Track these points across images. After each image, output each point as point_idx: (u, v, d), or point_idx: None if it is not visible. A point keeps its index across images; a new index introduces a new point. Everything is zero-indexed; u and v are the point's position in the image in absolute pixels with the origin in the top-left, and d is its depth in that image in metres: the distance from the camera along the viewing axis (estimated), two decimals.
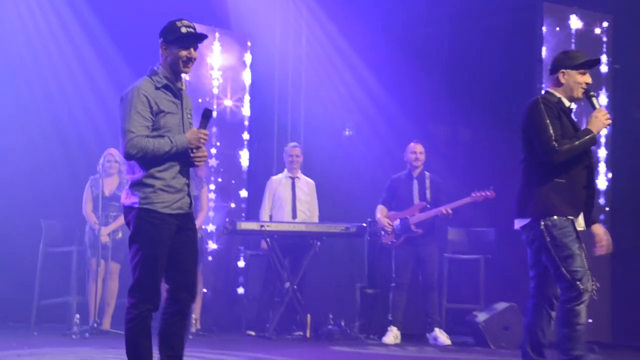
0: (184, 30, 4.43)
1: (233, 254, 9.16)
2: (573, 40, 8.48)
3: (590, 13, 8.60)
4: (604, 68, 8.55)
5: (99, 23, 9.61)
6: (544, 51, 8.31)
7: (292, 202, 8.75)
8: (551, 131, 4.82)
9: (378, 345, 8.06)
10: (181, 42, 4.42)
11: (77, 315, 8.05)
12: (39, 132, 9.38)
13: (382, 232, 8.45)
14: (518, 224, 5.10)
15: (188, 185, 4.53)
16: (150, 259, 4.37)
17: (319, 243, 8.54)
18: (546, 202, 4.91)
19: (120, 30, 9.51)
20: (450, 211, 8.20)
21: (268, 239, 8.41)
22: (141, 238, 4.38)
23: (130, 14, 9.40)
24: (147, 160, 4.37)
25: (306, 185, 8.87)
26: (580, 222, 5.01)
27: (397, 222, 8.38)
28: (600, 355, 7.54)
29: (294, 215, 8.71)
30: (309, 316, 8.35)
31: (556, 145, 4.82)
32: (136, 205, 4.38)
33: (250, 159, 9.44)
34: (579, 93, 5.01)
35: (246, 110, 9.47)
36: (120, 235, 8.34)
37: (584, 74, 5.02)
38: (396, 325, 8.28)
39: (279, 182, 8.87)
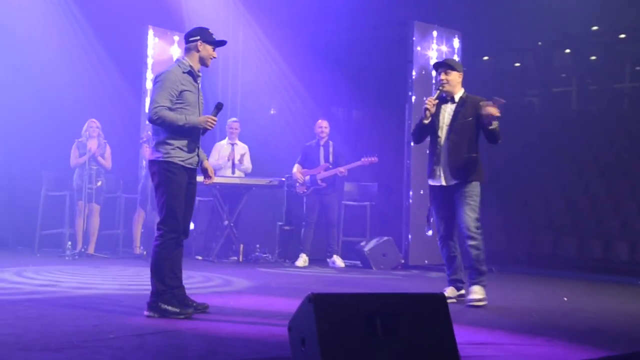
0: (214, 36, 4.58)
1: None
2: (434, 47, 8.54)
3: (446, 29, 8.73)
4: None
5: (92, 28, 9.51)
6: (414, 55, 8.39)
7: (232, 162, 8.77)
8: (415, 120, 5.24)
9: (292, 267, 8.10)
10: (215, 45, 4.54)
11: (69, 243, 8.19)
12: (39, 102, 9.17)
13: (297, 184, 8.46)
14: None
15: (198, 147, 4.52)
16: (173, 199, 4.37)
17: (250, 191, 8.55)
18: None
19: (103, 21, 9.40)
20: (345, 171, 8.30)
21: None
22: (165, 183, 4.37)
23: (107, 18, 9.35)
24: (164, 126, 4.38)
25: (242, 149, 8.86)
26: (437, 180, 5.23)
27: (307, 177, 8.43)
28: (498, 275, 7.69)
29: (233, 172, 8.72)
30: (241, 246, 8.39)
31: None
32: (160, 159, 4.39)
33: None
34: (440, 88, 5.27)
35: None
36: (99, 183, 8.33)
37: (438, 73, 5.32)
38: (305, 253, 8.36)
39: (221, 146, 8.85)
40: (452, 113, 5.25)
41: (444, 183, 5.22)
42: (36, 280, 6.03)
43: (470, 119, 5.21)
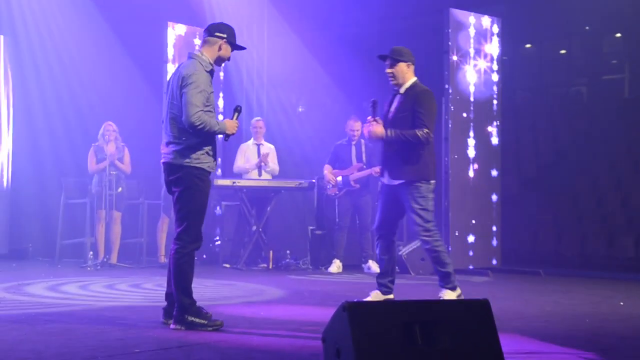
0: (236, 39, 4.65)
1: (212, 204, 9.09)
2: (471, 36, 8.48)
3: (484, 16, 8.66)
4: (495, 52, 8.56)
5: (108, 24, 9.55)
6: (450, 45, 8.34)
7: (258, 163, 8.79)
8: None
9: (324, 274, 8.13)
10: (235, 47, 4.60)
11: (91, 252, 8.26)
12: (56, 108, 9.32)
13: (329, 186, 8.48)
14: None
15: (216, 151, 4.60)
16: (199, 208, 4.41)
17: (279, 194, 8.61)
18: None
19: (121, 19, 9.48)
20: (380, 171, 8.35)
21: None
22: (192, 191, 4.38)
23: (124, 14, 9.44)
24: (203, 132, 4.39)
25: (268, 149, 8.90)
26: (385, 179, 5.33)
27: (339, 178, 8.45)
28: (493, 278, 7.79)
29: (260, 174, 8.77)
30: (271, 252, 8.43)
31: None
32: (188, 164, 4.39)
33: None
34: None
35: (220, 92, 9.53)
36: (120, 189, 8.44)
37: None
38: (339, 258, 8.36)
39: (247, 147, 8.90)
40: (395, 106, 5.32)
41: (385, 181, 5.33)
42: (57, 292, 6.12)
43: (407, 113, 5.23)
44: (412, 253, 8.23)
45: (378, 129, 5.22)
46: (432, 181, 5.29)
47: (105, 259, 8.26)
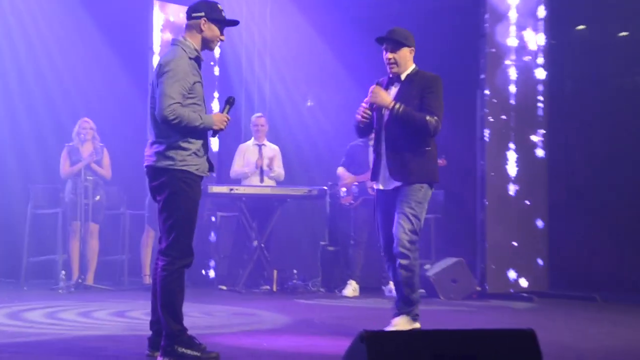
0: (224, 14, 4.60)
1: (205, 215, 9.16)
2: (512, 18, 8.45)
3: None
4: (541, 42, 8.58)
5: (84, 1, 9.56)
6: (486, 29, 8.32)
7: (259, 167, 8.84)
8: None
9: (338, 297, 8.14)
10: (222, 25, 4.58)
11: (63, 272, 8.22)
12: (23, 104, 9.35)
13: (342, 194, 8.51)
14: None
15: (208, 151, 4.61)
16: (188, 218, 4.43)
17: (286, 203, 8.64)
18: None
19: (100, 4, 9.54)
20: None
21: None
22: (178, 198, 4.40)
23: None
24: (178, 128, 4.40)
25: (271, 151, 8.94)
26: (383, 184, 5.27)
27: (354, 182, 8.46)
28: (538, 304, 7.78)
29: (261, 179, 8.80)
30: (275, 272, 8.44)
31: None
32: (172, 167, 4.42)
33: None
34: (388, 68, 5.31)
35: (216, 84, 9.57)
36: (98, 198, 8.49)
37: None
38: (355, 279, 8.37)
39: (246, 148, 8.95)
40: (395, 97, 5.27)
41: (381, 186, 5.28)
42: (22, 320, 6.09)
43: (413, 101, 5.21)
44: (441, 273, 8.25)
45: (384, 94, 5.19)
46: (432, 188, 5.37)
47: (80, 280, 8.27)
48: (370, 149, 8.45)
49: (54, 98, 9.42)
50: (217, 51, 9.72)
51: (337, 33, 10.13)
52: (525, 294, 8.18)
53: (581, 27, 9.49)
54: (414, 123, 5.13)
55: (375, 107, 5.28)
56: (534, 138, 8.62)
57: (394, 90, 5.28)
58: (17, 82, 9.36)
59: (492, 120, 8.33)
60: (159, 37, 9.11)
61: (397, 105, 5.16)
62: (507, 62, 8.44)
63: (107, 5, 9.52)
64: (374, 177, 5.34)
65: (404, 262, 5.14)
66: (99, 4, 9.57)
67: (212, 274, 9.14)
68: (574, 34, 9.34)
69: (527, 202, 8.51)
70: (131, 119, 9.31)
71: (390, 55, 5.21)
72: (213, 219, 9.31)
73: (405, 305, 5.21)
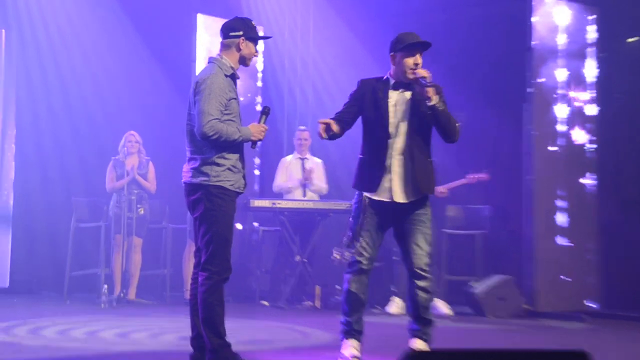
0: (257, 31, 4.74)
1: (247, 230, 9.20)
2: (560, 28, 8.42)
3: (578, 5, 8.56)
4: (591, 55, 8.51)
5: (126, 14, 9.64)
6: (533, 39, 8.26)
7: (302, 181, 8.85)
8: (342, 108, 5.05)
9: (382, 314, 8.11)
10: (257, 42, 4.74)
11: (105, 286, 8.19)
12: (67, 117, 9.42)
13: None
14: None
15: (244, 167, 4.68)
16: (224, 232, 4.52)
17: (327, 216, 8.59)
18: (354, 176, 5.05)
19: (147, 26, 9.63)
20: (445, 192, 8.25)
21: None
22: (214, 213, 4.50)
23: (154, 7, 9.56)
24: (217, 143, 4.49)
25: (314, 165, 8.93)
26: (385, 195, 4.91)
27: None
28: (590, 325, 7.65)
29: (304, 194, 8.80)
30: (317, 287, 8.43)
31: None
32: (207, 182, 4.51)
33: (261, 143, 9.32)
34: (408, 75, 4.86)
35: (258, 98, 9.58)
36: (142, 211, 8.54)
37: (412, 55, 4.87)
38: (399, 296, 8.28)
39: (289, 162, 8.96)
40: (408, 103, 4.94)
41: (397, 199, 4.92)
42: (65, 333, 6.13)
43: (428, 109, 4.94)
44: (488, 291, 8.18)
45: (425, 72, 4.90)
46: None
47: (122, 294, 8.32)
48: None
49: (96, 112, 9.47)
50: (260, 63, 9.72)
51: (381, 43, 9.70)
52: (576, 314, 8.07)
53: (633, 39, 9.30)
54: (449, 124, 4.90)
55: (380, 106, 4.98)
56: (583, 151, 8.55)
57: (401, 95, 4.97)
58: (60, 95, 9.40)
59: (538, 134, 8.25)
60: (202, 48, 9.11)
61: (440, 102, 4.90)
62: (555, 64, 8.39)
63: (152, 17, 9.58)
64: (372, 187, 4.94)
65: (424, 283, 4.95)
66: (145, 16, 9.62)
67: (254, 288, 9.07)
68: (625, 46, 9.14)
69: (578, 218, 8.41)
70: (173, 131, 8.98)
71: (420, 60, 4.96)
72: (257, 232, 9.27)
73: (424, 326, 4.98)
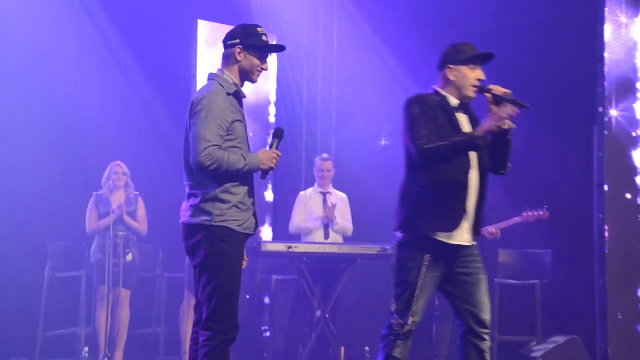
0: (264, 38, 4.64)
1: (257, 279, 9.17)
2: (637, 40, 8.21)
3: None
4: None
5: (114, 28, 9.62)
6: (605, 51, 8.04)
7: (324, 220, 8.66)
8: (422, 130, 4.65)
9: None
10: (262, 52, 4.63)
11: (86, 348, 8.13)
12: (43, 146, 9.29)
13: None
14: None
15: (254, 204, 4.63)
16: (229, 283, 4.47)
17: (355, 262, 8.48)
18: (408, 215, 4.78)
19: (135, 35, 9.58)
20: (497, 232, 8.19)
21: None
22: (218, 260, 4.44)
23: (144, 14, 9.48)
24: (217, 174, 4.44)
25: (338, 199, 8.79)
26: (464, 237, 4.82)
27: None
28: None
29: (326, 235, 8.62)
30: (342, 349, 8.34)
31: (423, 143, 4.63)
32: (209, 223, 4.44)
33: (275, 175, 9.29)
34: (469, 91, 4.81)
35: (271, 118, 9.56)
36: (130, 257, 8.39)
37: (474, 69, 4.83)
38: (441, 359, 8.23)
39: (308, 197, 8.82)
40: (470, 127, 4.92)
41: (467, 242, 4.86)
42: None
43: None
44: (551, 354, 7.91)
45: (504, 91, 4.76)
46: None
47: (106, 358, 8.08)
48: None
49: (77, 140, 9.40)
50: (272, 83, 9.74)
51: (416, 55, 10.03)
52: None
53: None
54: (509, 154, 4.91)
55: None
56: None
57: (461, 116, 4.88)
58: (35, 123, 9.29)
59: (613, 162, 8.01)
60: (203, 62, 9.07)
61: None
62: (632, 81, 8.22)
63: (142, 27, 9.52)
64: (450, 227, 4.76)
65: (488, 345, 4.91)
66: (133, 25, 9.56)
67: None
68: None
69: None
70: (168, 162, 9.21)
71: (482, 75, 4.88)
72: (269, 282, 9.17)
73: None
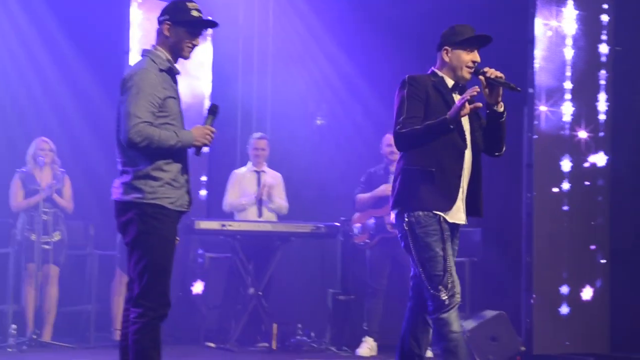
0: (195, 13, 4.56)
1: (190, 257, 9.10)
2: (568, 22, 8.40)
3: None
4: (604, 50, 8.51)
5: (45, 4, 9.43)
6: (536, 32, 8.19)
7: (258, 198, 8.75)
8: (403, 114, 4.75)
9: (352, 357, 8.10)
10: (191, 27, 4.58)
11: (14, 326, 8.01)
12: None
13: (356, 231, 8.43)
14: (391, 216, 5.04)
15: (188, 181, 4.60)
16: (161, 260, 4.44)
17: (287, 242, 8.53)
18: (410, 193, 4.84)
19: (67, 11, 9.41)
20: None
21: None
22: (149, 237, 4.42)
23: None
24: (148, 151, 4.40)
25: (272, 179, 8.85)
26: (460, 216, 4.93)
27: (371, 220, 8.33)
28: None
29: (260, 214, 8.69)
30: (275, 326, 8.36)
31: (399, 128, 4.72)
32: (141, 200, 4.41)
33: (210, 154, 9.23)
34: (464, 73, 4.90)
35: (206, 98, 9.48)
36: (57, 235, 8.37)
37: (470, 51, 4.92)
38: (372, 336, 8.27)
39: (242, 176, 8.86)
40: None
41: (462, 221, 5.01)
42: None
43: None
44: (477, 330, 7.97)
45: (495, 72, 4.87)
46: None
47: (34, 336, 8.04)
48: (392, 178, 8.16)
49: (3, 113, 9.29)
50: (208, 60, 9.63)
51: (354, 35, 10.08)
52: (580, 357, 8.13)
53: None
54: (504, 135, 5.01)
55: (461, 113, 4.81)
56: (595, 166, 8.48)
57: (456, 96, 4.94)
58: None
59: (541, 142, 8.16)
60: (137, 37, 8.95)
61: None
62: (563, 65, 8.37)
63: (74, 5, 9.36)
64: (448, 206, 4.85)
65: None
66: (65, 3, 9.40)
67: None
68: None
69: (587, 248, 8.38)
70: (101, 139, 9.07)
71: (478, 58, 4.95)
72: (200, 260, 9.15)
73: None
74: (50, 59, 9.50)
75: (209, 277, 9.06)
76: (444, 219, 4.81)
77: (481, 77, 4.78)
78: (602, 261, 8.43)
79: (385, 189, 8.18)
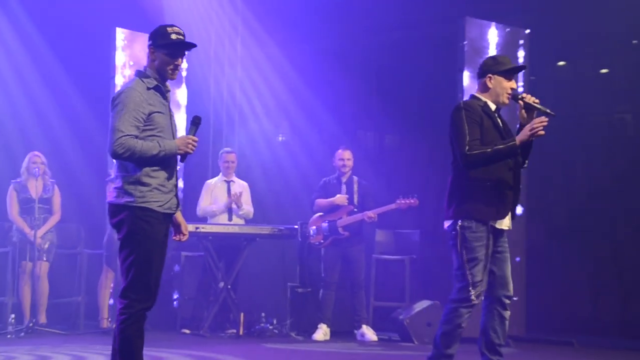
0: (174, 37, 4.47)
1: (168, 255, 9.00)
2: (492, 51, 8.44)
3: (508, 27, 8.66)
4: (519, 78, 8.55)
5: (30, 23, 9.43)
6: (465, 62, 8.29)
7: (228, 205, 8.85)
8: (467, 137, 4.82)
9: (308, 342, 8.14)
10: (169, 49, 4.48)
11: (12, 316, 8.09)
12: None
13: (311, 232, 8.56)
14: (445, 224, 5.10)
15: (176, 186, 4.57)
16: (146, 258, 4.38)
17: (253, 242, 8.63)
18: (467, 205, 4.90)
19: (52, 30, 9.44)
20: (374, 216, 8.35)
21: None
22: (137, 237, 4.38)
23: (61, 15, 9.41)
24: (133, 160, 4.38)
25: (240, 187, 8.95)
26: (506, 222, 5.05)
27: (325, 224, 8.51)
28: (514, 349, 7.73)
29: (230, 218, 8.79)
30: (242, 314, 8.41)
31: (467, 150, 4.80)
32: (132, 203, 4.38)
33: (185, 165, 9.14)
34: (504, 98, 5.01)
35: (182, 119, 9.51)
36: (50, 237, 8.50)
37: (509, 79, 5.02)
38: (325, 323, 8.40)
39: (214, 185, 8.96)
40: (503, 128, 5.14)
41: (508, 227, 5.11)
42: None
43: None
44: (415, 317, 8.30)
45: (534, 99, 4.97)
46: None
47: (31, 324, 8.16)
48: (343, 187, 8.60)
49: (3, 129, 9.32)
50: (183, 100, 9.75)
51: (310, 65, 10.18)
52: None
53: (562, 63, 9.54)
54: (529, 154, 5.13)
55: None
56: None
57: (499, 120, 5.11)
58: None
59: None
60: (121, 64, 9.02)
61: None
62: None
63: (66, 30, 9.43)
64: (501, 216, 5.00)
65: (509, 312, 5.13)
66: (58, 29, 9.46)
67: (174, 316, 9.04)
68: (554, 69, 9.35)
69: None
70: (90, 152, 9.24)
71: (514, 85, 5.15)
72: (178, 257, 9.24)
73: (496, 354, 5.09)
74: (43, 84, 9.51)
75: (184, 273, 9.11)
76: (492, 227, 4.93)
77: (520, 101, 4.87)
78: (517, 262, 8.30)
79: (340, 198, 8.43)
